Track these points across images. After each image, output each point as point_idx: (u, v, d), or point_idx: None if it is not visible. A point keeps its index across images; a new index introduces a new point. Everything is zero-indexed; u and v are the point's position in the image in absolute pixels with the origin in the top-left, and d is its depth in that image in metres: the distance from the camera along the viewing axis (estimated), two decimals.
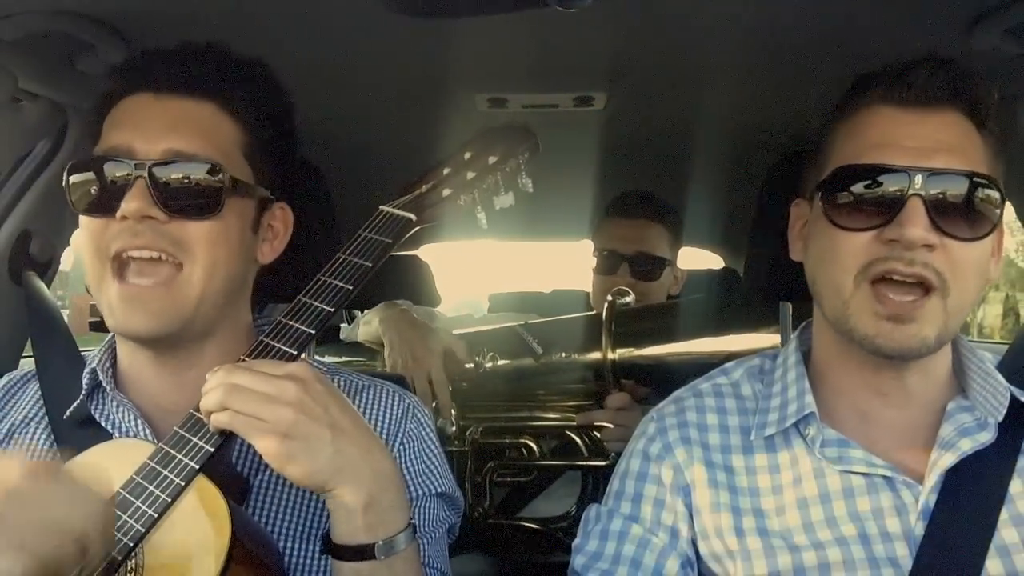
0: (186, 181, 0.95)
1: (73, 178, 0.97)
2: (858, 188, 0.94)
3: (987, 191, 0.92)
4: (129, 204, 0.92)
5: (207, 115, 0.99)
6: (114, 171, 0.94)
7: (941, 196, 0.90)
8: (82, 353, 1.12)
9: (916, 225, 0.89)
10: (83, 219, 0.97)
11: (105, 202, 0.94)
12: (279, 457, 0.82)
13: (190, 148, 0.96)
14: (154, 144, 0.95)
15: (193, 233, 0.95)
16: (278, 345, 0.90)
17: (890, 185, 0.91)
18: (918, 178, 0.90)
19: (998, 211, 0.93)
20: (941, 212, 0.90)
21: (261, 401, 0.82)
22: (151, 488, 0.83)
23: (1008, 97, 1.29)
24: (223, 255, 0.98)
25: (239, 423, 0.83)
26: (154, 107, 0.97)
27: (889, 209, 0.91)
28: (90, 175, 0.96)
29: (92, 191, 0.96)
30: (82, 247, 0.98)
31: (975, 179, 0.91)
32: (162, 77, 0.98)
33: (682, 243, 2.08)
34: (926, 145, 0.92)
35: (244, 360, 0.89)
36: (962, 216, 0.91)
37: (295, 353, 0.90)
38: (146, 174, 0.93)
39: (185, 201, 0.95)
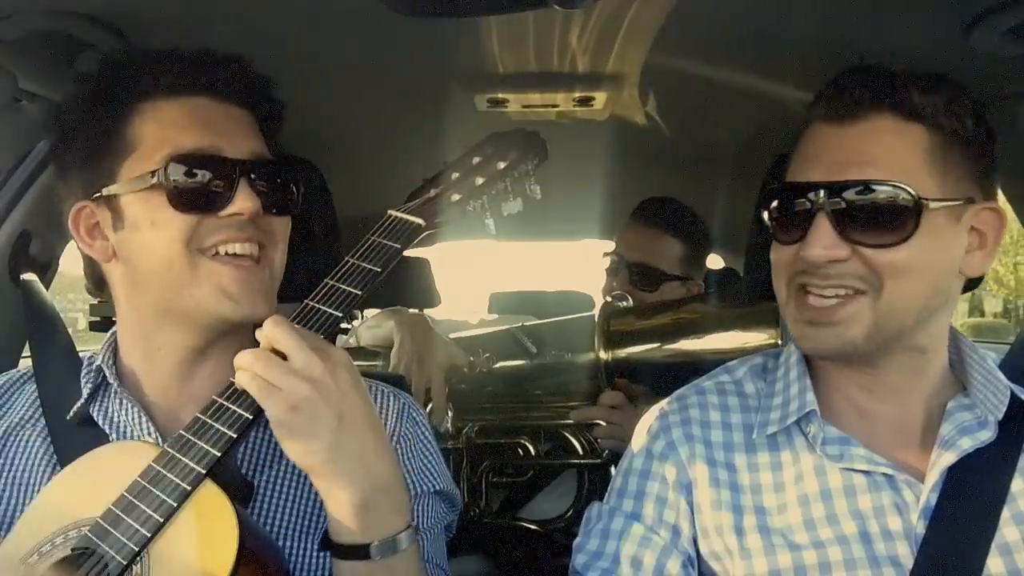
0: (278, 181, 1.02)
1: (180, 176, 0.95)
2: (779, 205, 0.99)
3: (899, 196, 0.92)
4: (245, 203, 0.95)
5: (253, 122, 1.03)
6: (215, 171, 0.96)
7: (847, 208, 0.92)
8: (81, 354, 1.12)
9: (817, 244, 0.93)
10: (169, 215, 0.95)
11: (202, 199, 0.96)
12: (280, 426, 0.83)
13: (265, 152, 1.02)
14: (240, 147, 0.98)
15: (279, 227, 1.03)
16: None
17: (801, 202, 0.95)
18: (822, 193, 0.93)
19: (916, 213, 0.92)
20: (852, 223, 0.92)
21: (283, 370, 0.83)
22: (156, 492, 0.82)
23: (1008, 97, 1.29)
24: (287, 246, 1.04)
25: (256, 384, 0.84)
26: (222, 112, 1.00)
27: (803, 225, 0.95)
28: (189, 173, 0.95)
29: (189, 189, 0.95)
30: (164, 244, 0.96)
31: (882, 186, 0.92)
32: (219, 83, 1.00)
33: (702, 257, 2.04)
34: (842, 158, 0.94)
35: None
36: (876, 223, 0.92)
37: None
38: (249, 175, 0.97)
39: (277, 200, 1.01)
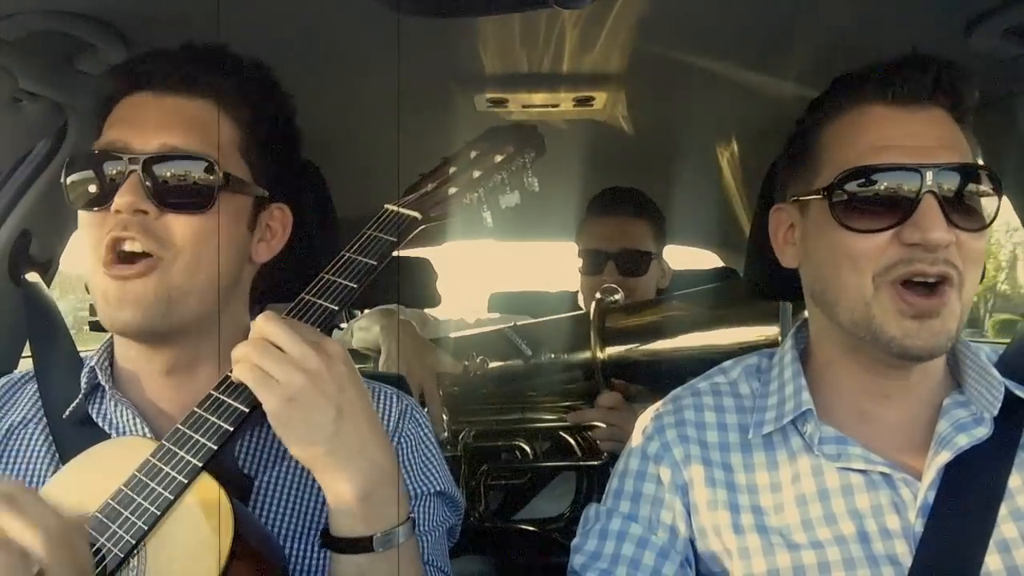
0: (179, 175, 0.95)
1: (70, 175, 0.98)
2: (869, 189, 0.93)
3: (989, 181, 0.93)
4: (122, 198, 0.92)
5: (203, 112, 0.99)
6: (110, 166, 0.95)
7: (951, 191, 0.91)
8: (82, 354, 1.12)
9: (937, 228, 0.89)
10: (81, 214, 0.98)
11: (102, 197, 0.95)
12: (278, 418, 0.83)
13: (184, 143, 0.96)
14: (149, 140, 0.95)
15: (180, 228, 0.95)
16: None
17: (903, 185, 0.92)
18: (929, 175, 0.91)
19: (998, 199, 0.94)
20: (952, 207, 0.91)
21: (279, 360, 0.83)
22: (153, 485, 0.83)
23: (1008, 97, 1.29)
24: (208, 251, 0.97)
25: (253, 375, 0.83)
26: (151, 105, 0.98)
27: (903, 208, 0.91)
28: (87, 171, 0.96)
29: (89, 187, 0.96)
30: (82, 243, 0.98)
31: (978, 171, 0.93)
32: (159, 76, 0.99)
33: (666, 236, 2.08)
34: (925, 144, 0.93)
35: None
36: (968, 208, 0.92)
37: None
38: (139, 168, 0.94)
39: (177, 195, 0.95)
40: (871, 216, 0.93)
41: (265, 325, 0.85)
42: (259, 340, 0.85)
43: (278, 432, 0.84)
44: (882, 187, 0.93)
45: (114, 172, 0.94)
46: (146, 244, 0.93)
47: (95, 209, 0.95)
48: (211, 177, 0.96)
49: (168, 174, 0.94)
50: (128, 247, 0.93)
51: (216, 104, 1.00)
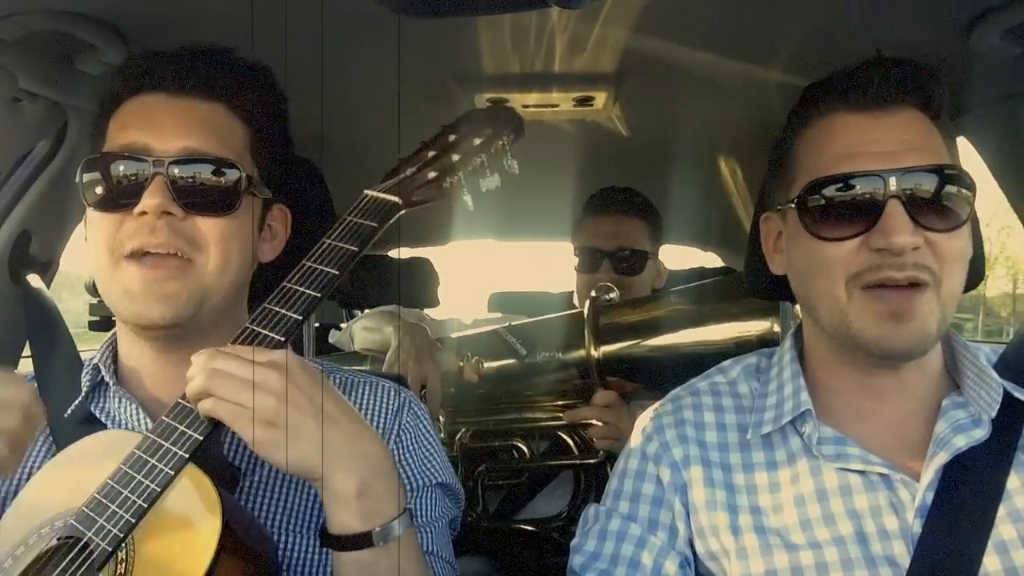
0: (203, 179, 0.97)
1: (87, 175, 0.98)
2: (835, 198, 0.94)
3: (958, 181, 0.93)
4: (149, 200, 0.93)
5: (218, 115, 1.01)
6: (131, 168, 0.96)
7: (916, 194, 0.91)
8: (81, 354, 1.12)
9: (902, 232, 0.90)
10: (95, 215, 0.98)
11: (120, 199, 0.96)
12: (262, 445, 0.82)
13: (205, 147, 0.98)
14: (170, 143, 0.96)
15: (208, 230, 0.97)
16: (264, 331, 0.89)
17: (867, 191, 0.92)
18: (892, 180, 0.91)
19: (972, 197, 0.94)
20: (919, 209, 0.91)
21: (243, 388, 0.82)
22: (140, 478, 0.82)
23: (1008, 97, 1.29)
24: (235, 252, 1.00)
25: (222, 410, 0.83)
26: (168, 107, 0.99)
27: (869, 215, 0.92)
28: (106, 172, 0.97)
29: (107, 188, 0.97)
30: (92, 243, 0.99)
31: (945, 171, 0.93)
32: (173, 78, 1.00)
33: (663, 237, 2.09)
34: (892, 148, 0.93)
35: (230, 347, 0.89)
36: (939, 209, 0.92)
37: (282, 339, 0.89)
38: (164, 171, 0.95)
39: (202, 199, 0.97)
40: (839, 224, 0.94)
41: (211, 360, 0.84)
42: (213, 372, 0.83)
43: (268, 458, 0.83)
44: (848, 195, 0.93)
45: (136, 175, 0.95)
46: (177, 246, 0.94)
47: (113, 211, 0.96)
48: (234, 180, 0.98)
49: (193, 177, 0.96)
50: (154, 250, 0.94)
51: (227, 107, 1.01)
